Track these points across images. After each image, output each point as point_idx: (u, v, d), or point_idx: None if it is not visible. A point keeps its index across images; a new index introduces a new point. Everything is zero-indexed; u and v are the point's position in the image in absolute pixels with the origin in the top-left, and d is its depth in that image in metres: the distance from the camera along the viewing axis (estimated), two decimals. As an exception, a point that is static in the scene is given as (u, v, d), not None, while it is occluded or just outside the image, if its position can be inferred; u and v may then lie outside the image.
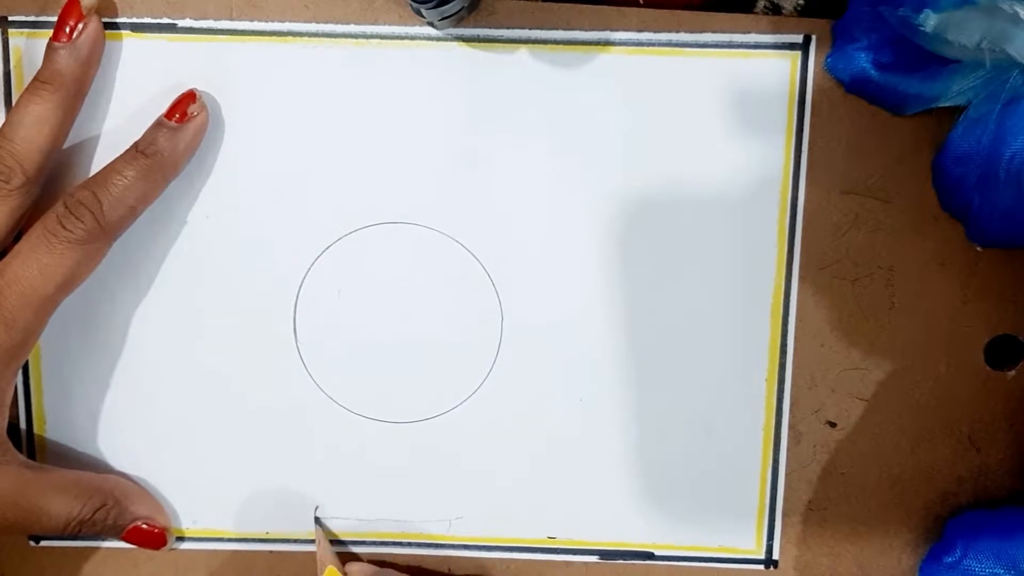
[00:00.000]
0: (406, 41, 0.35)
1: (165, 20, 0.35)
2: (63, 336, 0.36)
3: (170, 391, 0.36)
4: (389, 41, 0.35)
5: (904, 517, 0.37)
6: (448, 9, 0.33)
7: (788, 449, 0.36)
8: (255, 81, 0.35)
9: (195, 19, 0.35)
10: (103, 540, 0.37)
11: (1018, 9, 0.27)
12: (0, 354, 0.32)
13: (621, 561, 0.37)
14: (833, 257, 0.36)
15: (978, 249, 0.35)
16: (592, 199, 0.35)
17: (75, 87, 0.33)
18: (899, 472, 0.36)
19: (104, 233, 0.33)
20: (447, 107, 0.35)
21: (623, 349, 0.36)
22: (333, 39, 0.35)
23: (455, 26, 0.35)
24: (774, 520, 0.37)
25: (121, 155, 0.33)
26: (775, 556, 0.37)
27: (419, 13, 0.33)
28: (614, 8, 0.35)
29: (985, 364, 0.36)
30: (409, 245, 0.36)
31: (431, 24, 0.35)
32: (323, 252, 0.36)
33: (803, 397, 0.36)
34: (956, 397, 0.36)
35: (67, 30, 0.33)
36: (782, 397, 0.36)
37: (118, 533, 0.35)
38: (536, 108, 0.35)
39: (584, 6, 0.35)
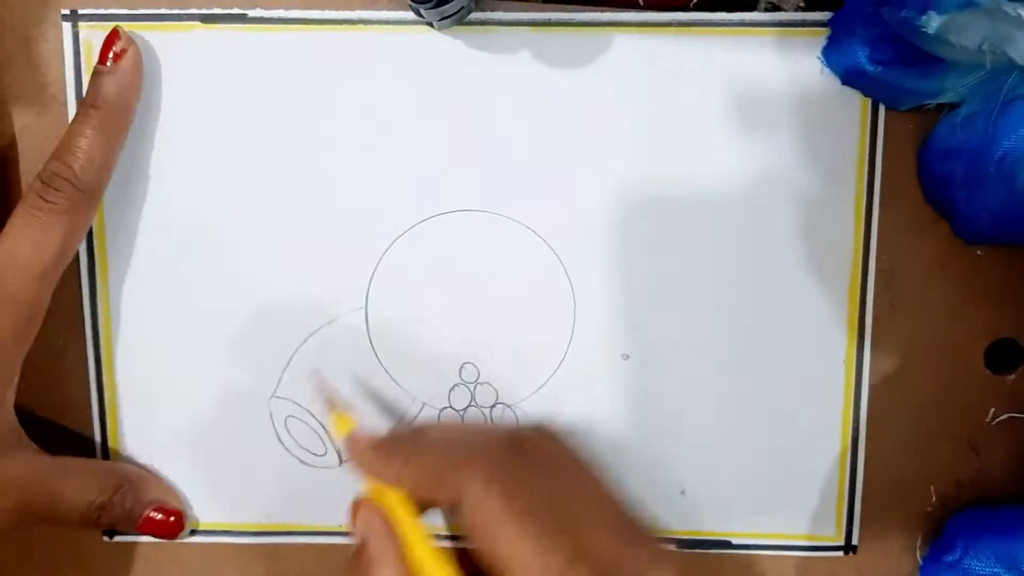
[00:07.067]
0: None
1: (235, 10, 0.35)
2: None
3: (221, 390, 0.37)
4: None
5: (904, 519, 0.36)
6: (448, 9, 0.32)
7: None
8: (329, 72, 0.35)
9: (265, 9, 0.35)
10: (118, 534, 0.37)
11: (1021, 12, 0.27)
12: (11, 332, 0.33)
13: (699, 550, 0.37)
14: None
15: (978, 252, 0.35)
16: (658, 184, 0.35)
17: (120, 110, 0.34)
18: (899, 475, 0.36)
19: (85, 196, 0.33)
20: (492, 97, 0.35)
21: (697, 337, 0.36)
22: (404, 26, 0.35)
23: (456, 25, 0.35)
24: (854, 504, 0.36)
25: (74, 117, 0.34)
26: (854, 541, 0.37)
27: (418, 13, 0.33)
28: (614, 9, 0.35)
29: (985, 368, 0.36)
30: (481, 233, 0.36)
31: (430, 24, 0.34)
32: (392, 243, 0.36)
33: (803, 400, 0.36)
34: (956, 401, 0.36)
35: (111, 55, 0.34)
36: (860, 377, 0.36)
37: (134, 520, 0.35)
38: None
39: (584, 7, 0.35)
